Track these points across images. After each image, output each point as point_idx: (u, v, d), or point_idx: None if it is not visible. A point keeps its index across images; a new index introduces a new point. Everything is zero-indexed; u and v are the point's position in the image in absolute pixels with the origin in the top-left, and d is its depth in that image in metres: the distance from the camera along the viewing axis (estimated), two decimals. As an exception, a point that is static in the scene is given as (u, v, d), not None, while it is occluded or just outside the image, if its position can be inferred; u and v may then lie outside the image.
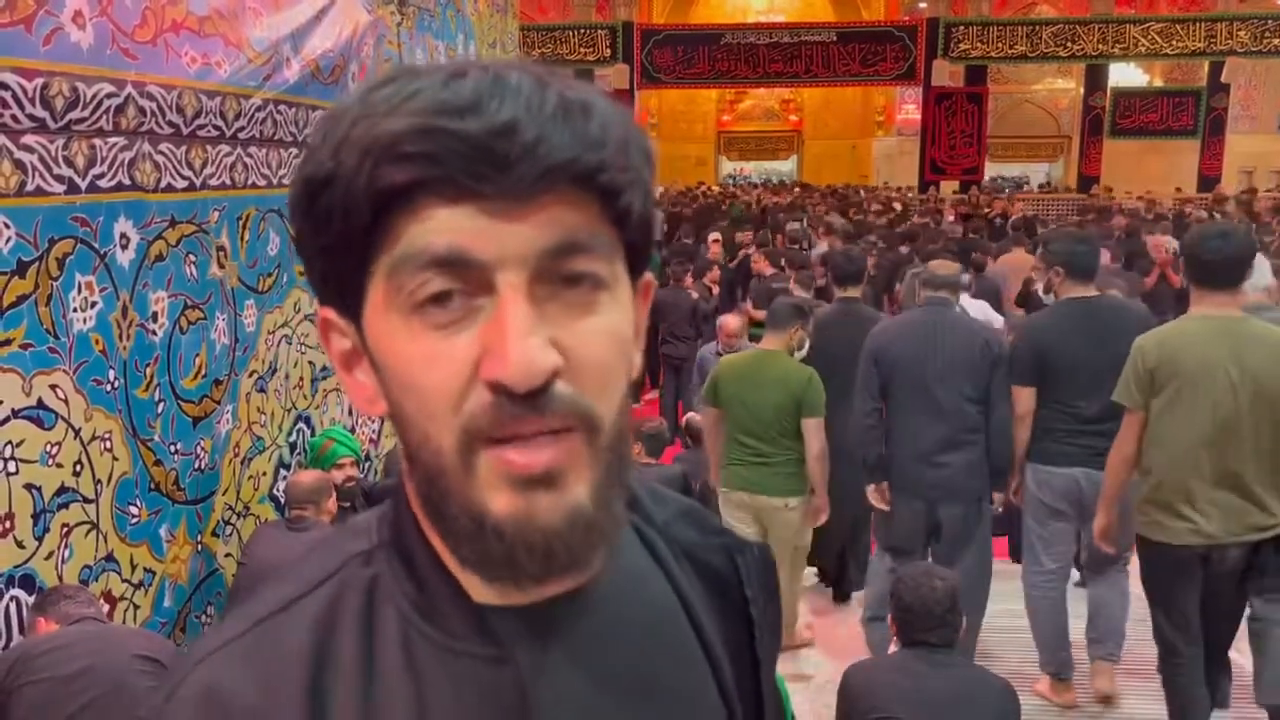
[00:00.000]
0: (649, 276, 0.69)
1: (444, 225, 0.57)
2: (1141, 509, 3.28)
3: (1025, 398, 3.89)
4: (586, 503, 0.60)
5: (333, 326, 0.66)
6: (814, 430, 4.15)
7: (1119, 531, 3.50)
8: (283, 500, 4.09)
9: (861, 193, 21.88)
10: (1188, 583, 3.23)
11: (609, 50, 20.60)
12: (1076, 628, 4.07)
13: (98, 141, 2.97)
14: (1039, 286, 5.45)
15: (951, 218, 16.20)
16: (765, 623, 0.79)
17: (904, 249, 9.76)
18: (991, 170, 25.73)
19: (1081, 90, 23.69)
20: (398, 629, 0.65)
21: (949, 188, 21.41)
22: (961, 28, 20.61)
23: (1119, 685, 4.02)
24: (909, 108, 27.31)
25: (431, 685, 0.63)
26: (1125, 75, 24.54)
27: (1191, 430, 3.12)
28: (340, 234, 0.59)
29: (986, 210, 17.23)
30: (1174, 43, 20.30)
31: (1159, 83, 25.55)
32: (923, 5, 23.13)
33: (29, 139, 2.71)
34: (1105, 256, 6.83)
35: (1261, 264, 4.18)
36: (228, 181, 3.70)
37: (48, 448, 2.81)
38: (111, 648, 2.54)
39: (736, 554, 0.79)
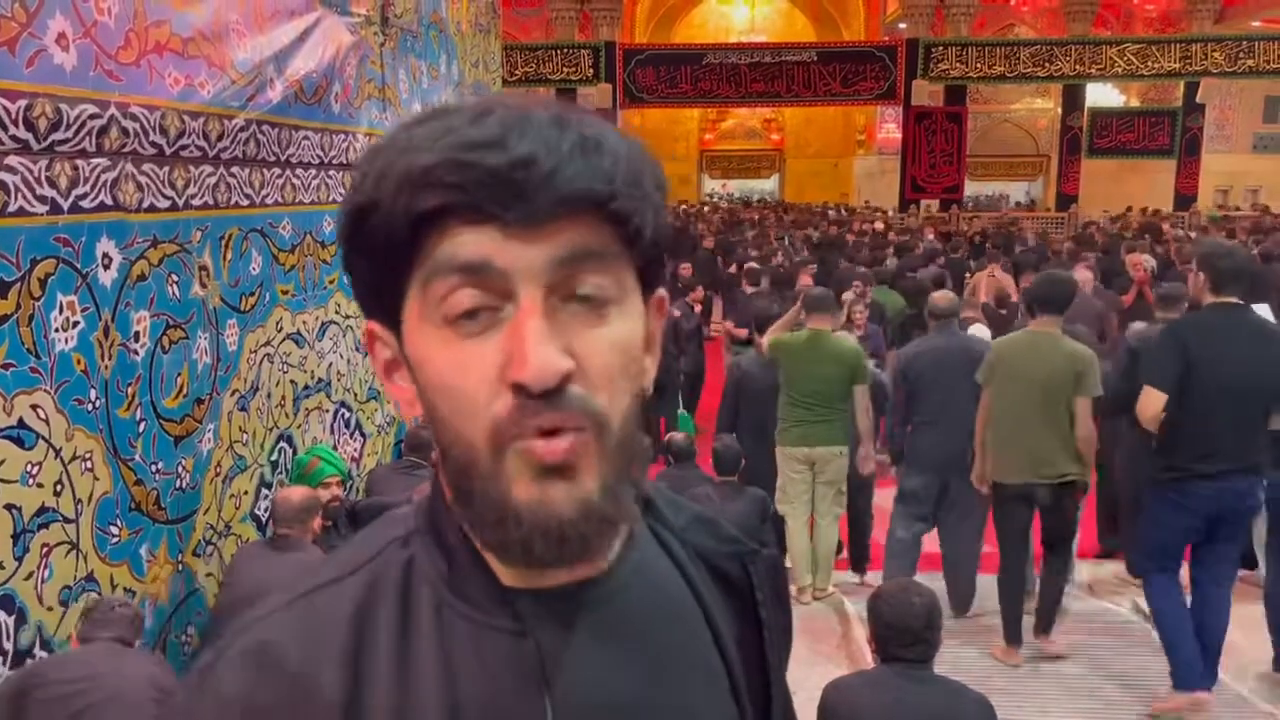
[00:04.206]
0: (661, 292, 0.75)
1: (469, 241, 0.65)
2: (991, 461, 4.60)
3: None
4: (596, 495, 0.66)
5: (377, 338, 0.73)
6: (861, 394, 5.22)
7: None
8: (265, 519, 4.09)
9: (842, 212, 22.06)
10: (1014, 511, 4.60)
11: (592, 70, 20.71)
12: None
13: (80, 162, 2.98)
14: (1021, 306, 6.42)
15: (931, 236, 16.44)
16: (775, 626, 0.85)
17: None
18: (971, 189, 25.95)
19: (1059, 110, 23.95)
20: (430, 602, 0.71)
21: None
22: (941, 48, 20.82)
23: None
24: (889, 127, 27.54)
25: (460, 651, 0.70)
26: (1102, 95, 24.83)
27: (1006, 408, 4.49)
28: (382, 253, 0.67)
29: (967, 229, 17.50)
30: (1150, 64, 20.58)
31: (1135, 103, 25.85)
32: (902, 26, 23.35)
33: (12, 160, 2.71)
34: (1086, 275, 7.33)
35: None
36: (210, 201, 3.71)
37: (28, 467, 2.81)
38: (119, 668, 2.62)
39: (748, 560, 0.85)
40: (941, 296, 5.44)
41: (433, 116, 0.67)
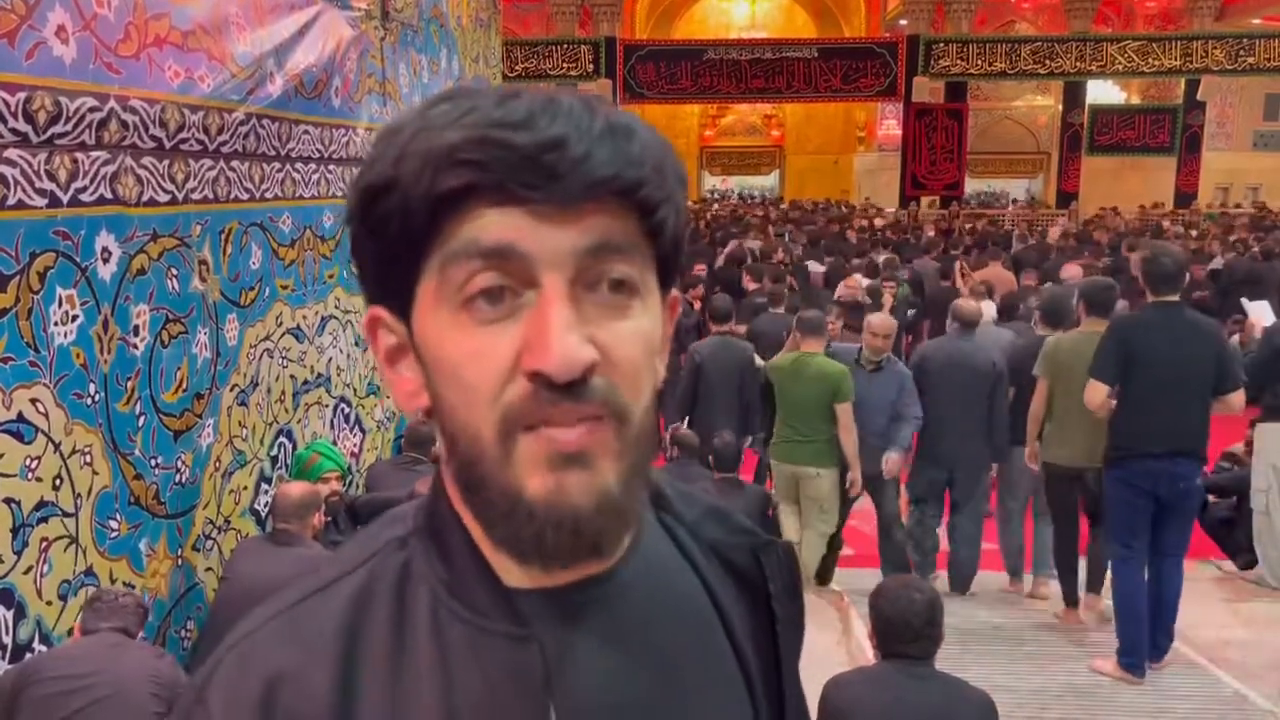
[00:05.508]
0: (675, 293, 0.73)
1: (493, 224, 0.62)
2: (1044, 444, 5.10)
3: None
4: (614, 487, 0.64)
5: (381, 323, 0.70)
6: (844, 412, 5.25)
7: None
8: (265, 514, 4.08)
9: (842, 209, 22.04)
10: (1061, 489, 5.09)
11: (592, 65, 20.66)
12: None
13: (80, 155, 2.97)
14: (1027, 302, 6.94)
15: (932, 233, 16.43)
16: (787, 619, 0.83)
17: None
18: (972, 186, 25.91)
19: (1060, 107, 23.91)
20: (428, 606, 0.68)
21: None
22: (941, 45, 20.77)
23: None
24: (890, 123, 27.46)
25: (458, 659, 0.67)
26: (1103, 93, 24.77)
27: (1060, 400, 4.95)
28: (397, 236, 0.64)
29: (970, 227, 17.51)
30: (1150, 61, 20.53)
31: (1136, 100, 25.79)
32: (903, 22, 23.29)
33: (11, 153, 2.70)
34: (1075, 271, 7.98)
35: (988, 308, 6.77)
36: (210, 195, 3.70)
37: (27, 462, 2.80)
38: (119, 662, 2.61)
39: (761, 552, 0.82)
40: (964, 303, 5.81)
41: (456, 96, 0.64)
